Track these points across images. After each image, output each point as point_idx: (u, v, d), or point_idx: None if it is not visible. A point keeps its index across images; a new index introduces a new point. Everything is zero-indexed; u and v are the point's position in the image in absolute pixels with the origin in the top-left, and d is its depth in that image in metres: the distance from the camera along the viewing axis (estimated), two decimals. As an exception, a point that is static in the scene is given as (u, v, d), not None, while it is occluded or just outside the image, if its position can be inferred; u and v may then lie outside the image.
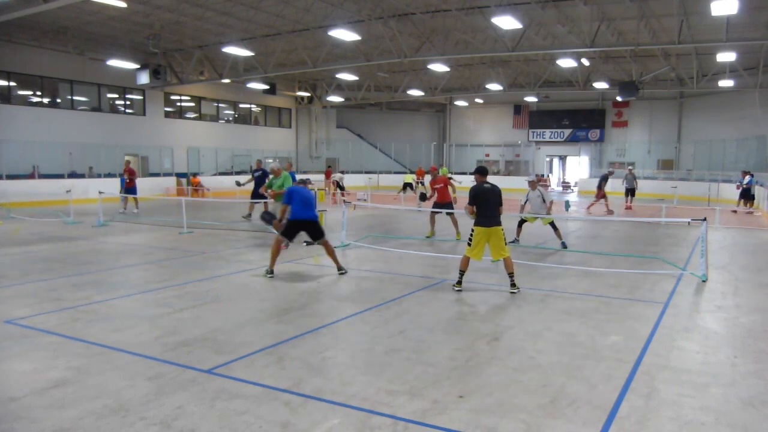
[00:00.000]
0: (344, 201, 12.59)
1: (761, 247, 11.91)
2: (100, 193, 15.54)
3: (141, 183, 24.35)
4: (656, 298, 7.15)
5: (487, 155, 39.76)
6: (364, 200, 20.54)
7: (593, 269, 8.95)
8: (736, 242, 12.58)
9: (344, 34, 18.87)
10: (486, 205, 7.33)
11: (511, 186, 31.02)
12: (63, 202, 17.37)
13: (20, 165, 21.51)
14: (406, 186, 26.95)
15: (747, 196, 20.35)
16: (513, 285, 7.33)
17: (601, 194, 19.29)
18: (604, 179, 19.62)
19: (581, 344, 5.30)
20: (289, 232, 8.50)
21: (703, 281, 8.08)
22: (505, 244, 7.38)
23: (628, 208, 20.54)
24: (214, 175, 30.10)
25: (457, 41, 22.61)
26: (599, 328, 5.82)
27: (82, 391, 4.13)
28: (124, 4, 17.02)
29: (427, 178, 27.25)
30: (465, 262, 7.47)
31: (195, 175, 28.39)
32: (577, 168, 37.99)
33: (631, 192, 21.07)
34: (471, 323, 6.00)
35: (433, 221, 12.52)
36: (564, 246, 11.01)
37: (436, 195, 12.27)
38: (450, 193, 12.22)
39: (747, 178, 20.54)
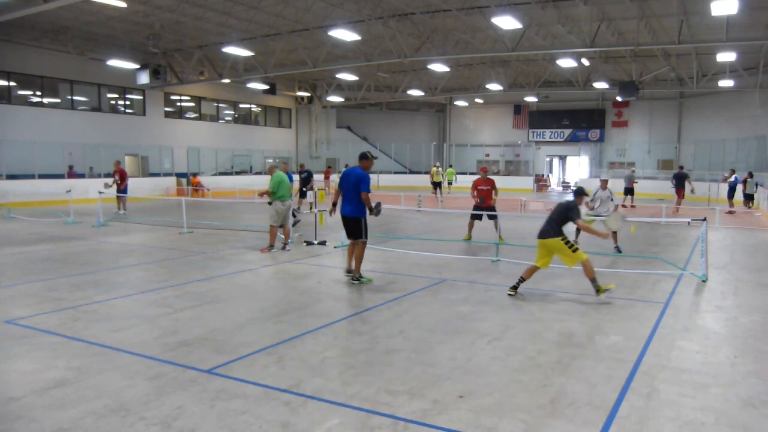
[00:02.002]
0: None
1: (761, 247, 11.91)
2: (100, 193, 15.54)
3: (142, 183, 24.56)
4: (656, 298, 7.16)
5: (487, 155, 39.77)
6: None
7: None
8: (736, 242, 12.58)
9: (344, 34, 18.87)
10: (549, 216, 7.20)
11: (511, 186, 31.18)
12: (63, 202, 17.37)
13: (20, 165, 21.50)
14: (437, 185, 26.48)
15: (733, 194, 20.46)
16: (598, 291, 6.90)
17: (682, 193, 19.60)
18: (682, 177, 19.82)
19: (581, 344, 5.31)
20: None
21: (703, 281, 8.08)
22: (573, 251, 6.93)
23: (633, 207, 20.56)
24: (214, 175, 30.11)
25: (457, 41, 22.61)
26: (599, 328, 5.81)
27: (82, 391, 4.13)
28: (124, 4, 17.02)
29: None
30: (528, 272, 7.22)
31: (195, 175, 28.40)
32: (577, 168, 37.98)
33: (629, 192, 21.14)
34: (471, 323, 5.99)
35: (471, 225, 12.26)
36: (618, 250, 10.64)
37: (477, 196, 11.92)
38: (492, 196, 11.94)
39: (734, 177, 20.68)
